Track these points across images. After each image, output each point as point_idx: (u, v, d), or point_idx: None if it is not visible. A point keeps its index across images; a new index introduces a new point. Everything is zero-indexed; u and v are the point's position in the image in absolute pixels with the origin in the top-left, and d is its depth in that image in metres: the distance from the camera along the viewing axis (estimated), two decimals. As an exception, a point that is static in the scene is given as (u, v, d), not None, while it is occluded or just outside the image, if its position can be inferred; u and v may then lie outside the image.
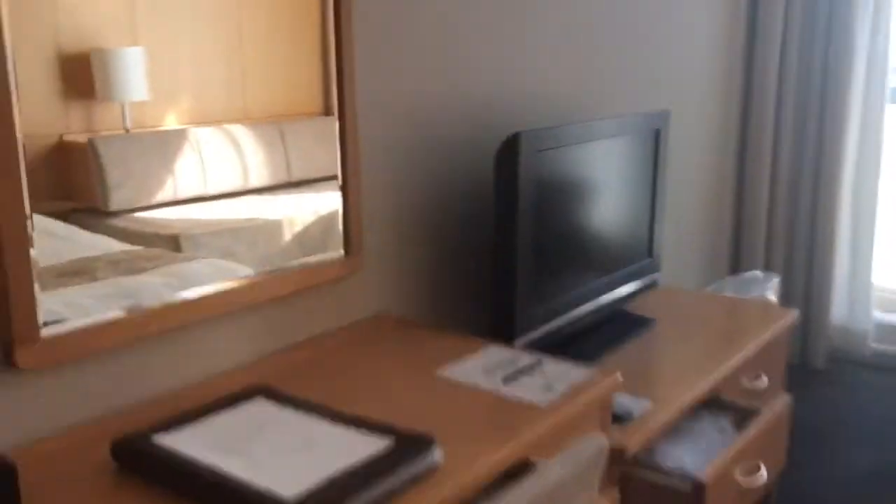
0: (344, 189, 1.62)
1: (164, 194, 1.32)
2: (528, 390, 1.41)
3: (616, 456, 1.47)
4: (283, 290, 1.54)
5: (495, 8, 1.93)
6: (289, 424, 1.21)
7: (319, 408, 1.25)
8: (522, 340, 1.78)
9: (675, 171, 2.59)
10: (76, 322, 1.23)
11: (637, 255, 2.17)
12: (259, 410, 1.26)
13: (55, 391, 1.24)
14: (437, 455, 1.14)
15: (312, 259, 1.60)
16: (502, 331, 1.76)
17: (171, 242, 1.34)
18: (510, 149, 1.68)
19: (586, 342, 1.97)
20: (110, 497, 1.10)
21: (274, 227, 1.54)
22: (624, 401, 1.61)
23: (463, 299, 1.96)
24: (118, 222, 1.27)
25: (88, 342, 1.25)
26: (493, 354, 1.57)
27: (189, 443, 1.14)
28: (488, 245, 1.82)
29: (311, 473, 1.05)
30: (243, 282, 1.47)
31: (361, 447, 1.12)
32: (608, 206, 2.04)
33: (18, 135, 1.14)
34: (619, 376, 1.49)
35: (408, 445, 1.13)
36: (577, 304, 1.95)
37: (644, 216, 2.18)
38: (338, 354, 1.58)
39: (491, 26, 1.92)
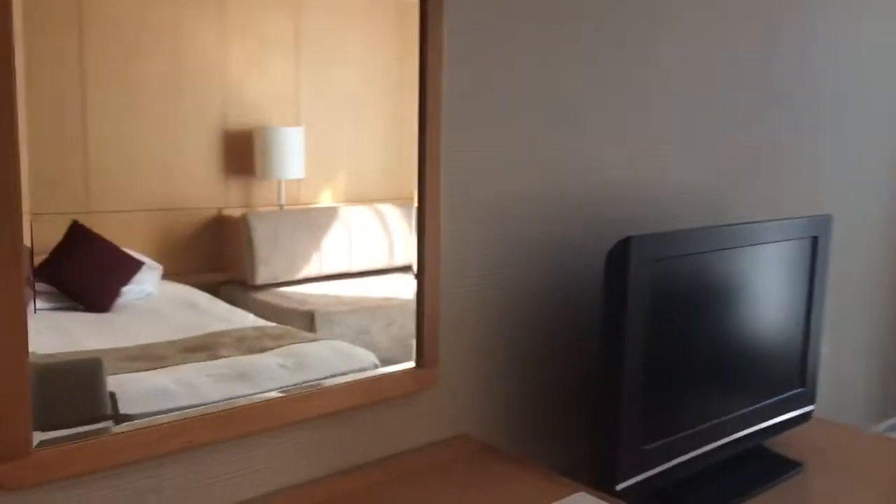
0: (419, 288, 1.41)
1: (309, 270, 1.32)
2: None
3: None
4: (345, 402, 1.34)
5: (611, 95, 1.69)
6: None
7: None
8: (626, 484, 1.49)
9: (835, 285, 2.20)
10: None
11: (785, 382, 1.82)
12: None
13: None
14: None
15: (379, 371, 1.39)
16: (603, 469, 1.47)
17: (307, 319, 1.32)
18: (619, 256, 1.41)
19: (711, 488, 1.64)
20: None
21: (410, 308, 1.43)
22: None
23: (556, 426, 1.69)
24: (262, 296, 1.27)
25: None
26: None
27: None
28: (590, 365, 1.54)
29: None
30: (303, 391, 1.29)
31: None
32: (748, 325, 1.71)
33: (26, 226, 1.01)
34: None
35: None
36: (703, 441, 1.63)
37: (796, 336, 1.83)
38: (407, 482, 1.35)
39: (612, 117, 1.68)
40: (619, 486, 1.48)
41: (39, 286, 1.12)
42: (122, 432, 1.12)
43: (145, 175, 1.12)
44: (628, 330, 1.42)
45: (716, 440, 1.66)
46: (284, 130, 1.26)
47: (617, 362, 1.43)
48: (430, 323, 1.43)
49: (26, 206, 1.02)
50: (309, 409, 1.29)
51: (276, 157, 1.27)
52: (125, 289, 1.15)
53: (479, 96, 1.46)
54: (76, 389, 1.09)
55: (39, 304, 1.14)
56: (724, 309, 1.64)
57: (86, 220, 1.10)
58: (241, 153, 1.22)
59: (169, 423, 1.15)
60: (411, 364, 1.43)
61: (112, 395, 1.11)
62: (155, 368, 1.15)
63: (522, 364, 1.62)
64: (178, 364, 1.18)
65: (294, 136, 1.28)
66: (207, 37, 1.15)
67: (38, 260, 1.07)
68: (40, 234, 1.06)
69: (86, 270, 1.16)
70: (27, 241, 1.03)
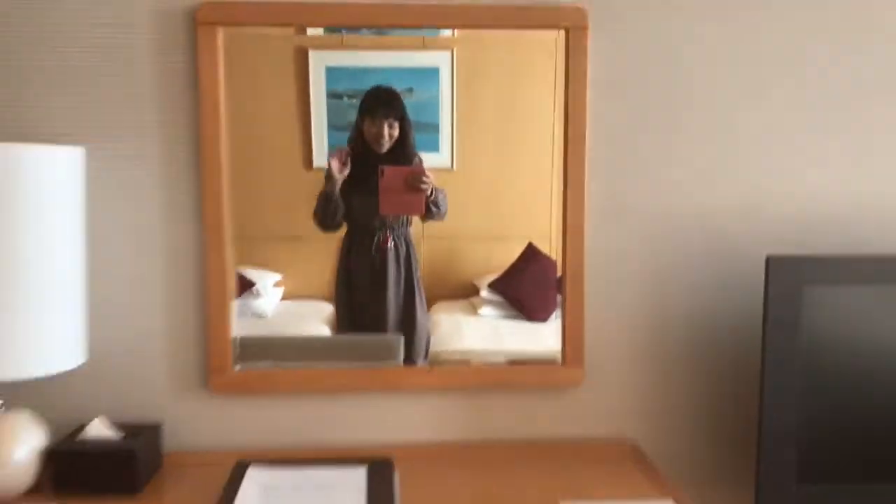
0: (563, 293, 1.59)
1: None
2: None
3: None
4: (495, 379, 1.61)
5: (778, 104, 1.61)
6: (346, 493, 1.31)
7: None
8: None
9: None
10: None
11: None
12: (349, 478, 1.38)
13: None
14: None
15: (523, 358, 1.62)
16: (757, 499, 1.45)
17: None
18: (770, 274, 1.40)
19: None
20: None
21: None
22: None
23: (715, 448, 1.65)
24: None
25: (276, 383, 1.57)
26: (648, 508, 1.35)
27: (263, 479, 1.35)
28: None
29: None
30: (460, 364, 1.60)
31: None
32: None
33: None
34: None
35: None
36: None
37: None
38: (515, 459, 1.55)
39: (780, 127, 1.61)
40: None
41: (490, 296, 1.63)
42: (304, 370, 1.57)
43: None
44: (786, 357, 1.40)
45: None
46: None
47: (773, 387, 1.42)
48: (573, 326, 1.59)
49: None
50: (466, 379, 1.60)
51: None
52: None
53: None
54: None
55: (485, 310, 1.64)
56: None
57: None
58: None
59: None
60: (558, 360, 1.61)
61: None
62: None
63: (678, 377, 1.65)
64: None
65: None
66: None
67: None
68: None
69: (533, 285, 1.61)
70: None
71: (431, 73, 1.58)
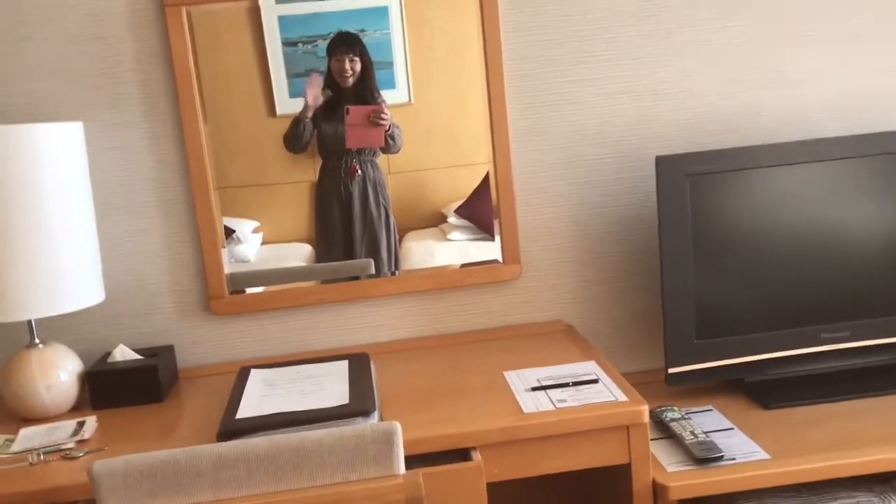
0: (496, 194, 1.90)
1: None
2: (532, 399, 1.53)
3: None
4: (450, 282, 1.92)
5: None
6: (333, 379, 1.63)
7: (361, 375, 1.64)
8: (677, 370, 1.78)
9: None
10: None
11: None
12: (334, 369, 1.70)
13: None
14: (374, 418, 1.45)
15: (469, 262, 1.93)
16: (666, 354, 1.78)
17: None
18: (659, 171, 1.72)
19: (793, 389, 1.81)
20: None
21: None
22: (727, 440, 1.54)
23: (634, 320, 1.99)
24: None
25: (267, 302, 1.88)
26: (575, 368, 1.68)
27: (264, 376, 1.67)
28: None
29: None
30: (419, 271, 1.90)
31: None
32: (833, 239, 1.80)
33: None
34: (646, 408, 1.48)
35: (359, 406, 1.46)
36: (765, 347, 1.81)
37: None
38: (473, 343, 1.89)
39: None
40: (671, 370, 1.79)
41: (457, 221, 1.86)
42: (283, 289, 1.88)
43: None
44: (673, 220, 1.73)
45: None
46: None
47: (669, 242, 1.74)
48: (508, 229, 1.91)
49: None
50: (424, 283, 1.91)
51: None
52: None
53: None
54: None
55: (454, 234, 1.90)
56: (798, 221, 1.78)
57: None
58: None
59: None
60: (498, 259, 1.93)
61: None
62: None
63: (599, 263, 1.99)
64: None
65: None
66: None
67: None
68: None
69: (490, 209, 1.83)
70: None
71: (381, 13, 1.81)
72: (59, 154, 1.62)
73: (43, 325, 1.80)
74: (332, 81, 1.83)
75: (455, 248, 1.91)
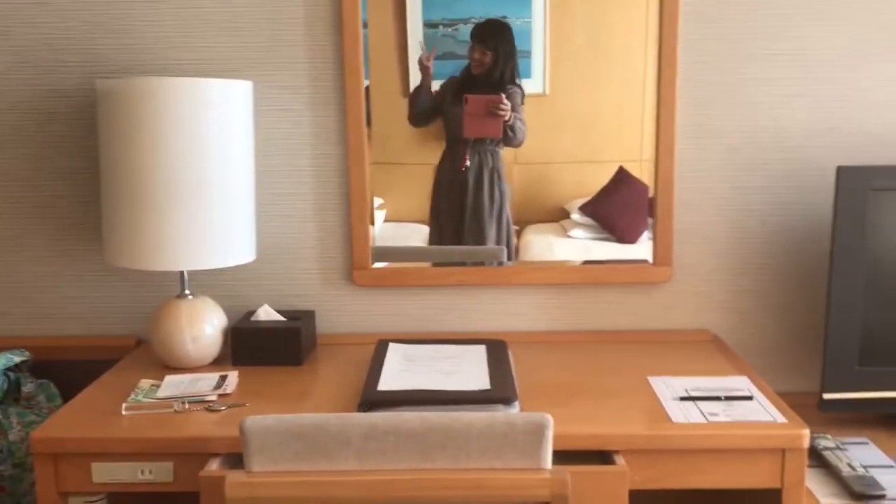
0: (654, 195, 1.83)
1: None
2: (681, 409, 1.46)
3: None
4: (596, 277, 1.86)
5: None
6: (471, 362, 1.60)
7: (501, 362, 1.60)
8: (832, 396, 1.67)
9: None
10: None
11: None
12: (472, 353, 1.68)
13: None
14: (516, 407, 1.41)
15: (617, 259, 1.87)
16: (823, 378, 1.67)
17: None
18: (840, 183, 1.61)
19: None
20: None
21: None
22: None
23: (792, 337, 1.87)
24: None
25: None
26: (726, 382, 1.59)
27: (403, 351, 1.66)
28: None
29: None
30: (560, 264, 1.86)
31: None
32: None
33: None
34: (807, 433, 1.38)
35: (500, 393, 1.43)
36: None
37: None
38: (616, 345, 1.82)
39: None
40: (826, 395, 1.68)
41: (580, 219, 1.83)
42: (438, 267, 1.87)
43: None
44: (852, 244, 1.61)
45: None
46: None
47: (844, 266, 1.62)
48: (663, 229, 1.83)
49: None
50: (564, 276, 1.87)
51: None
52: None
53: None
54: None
55: (576, 232, 1.89)
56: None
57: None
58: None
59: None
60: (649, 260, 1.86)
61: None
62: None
63: (756, 273, 1.88)
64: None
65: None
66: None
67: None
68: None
69: (624, 207, 1.79)
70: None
71: (524, 1, 1.78)
72: (227, 111, 1.64)
73: (193, 277, 1.84)
74: (468, 67, 1.80)
75: (576, 246, 1.85)
